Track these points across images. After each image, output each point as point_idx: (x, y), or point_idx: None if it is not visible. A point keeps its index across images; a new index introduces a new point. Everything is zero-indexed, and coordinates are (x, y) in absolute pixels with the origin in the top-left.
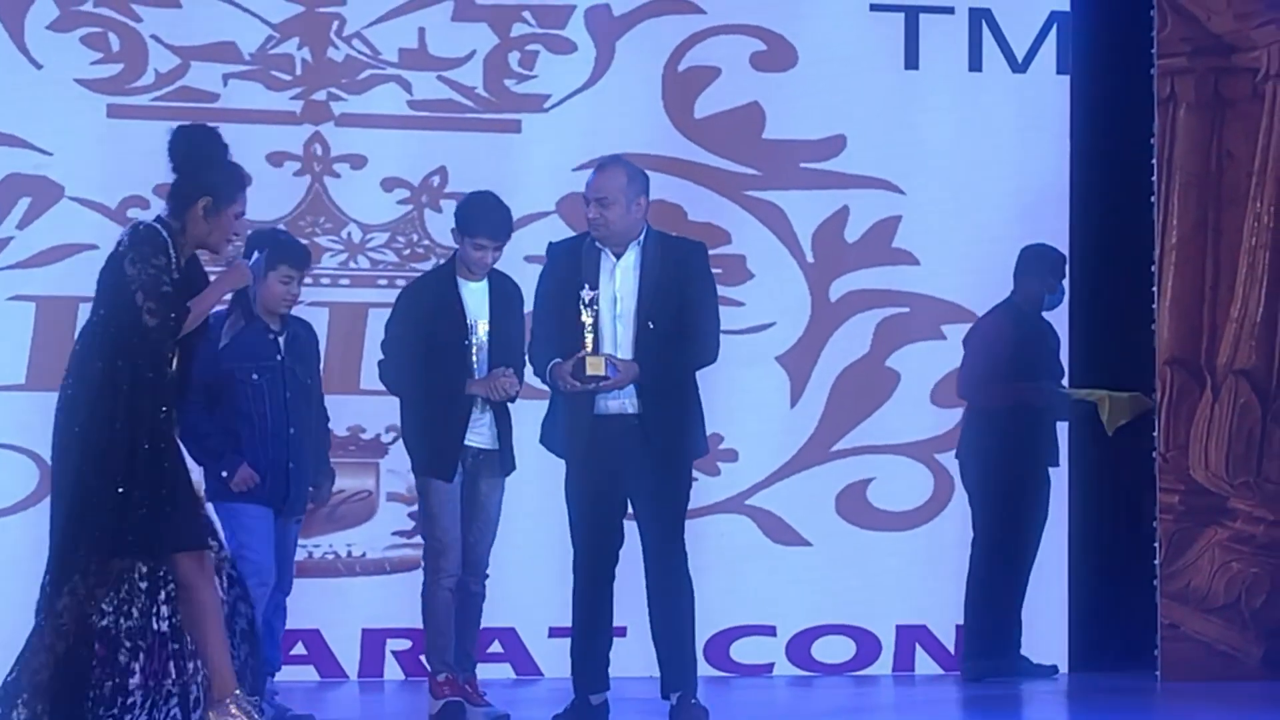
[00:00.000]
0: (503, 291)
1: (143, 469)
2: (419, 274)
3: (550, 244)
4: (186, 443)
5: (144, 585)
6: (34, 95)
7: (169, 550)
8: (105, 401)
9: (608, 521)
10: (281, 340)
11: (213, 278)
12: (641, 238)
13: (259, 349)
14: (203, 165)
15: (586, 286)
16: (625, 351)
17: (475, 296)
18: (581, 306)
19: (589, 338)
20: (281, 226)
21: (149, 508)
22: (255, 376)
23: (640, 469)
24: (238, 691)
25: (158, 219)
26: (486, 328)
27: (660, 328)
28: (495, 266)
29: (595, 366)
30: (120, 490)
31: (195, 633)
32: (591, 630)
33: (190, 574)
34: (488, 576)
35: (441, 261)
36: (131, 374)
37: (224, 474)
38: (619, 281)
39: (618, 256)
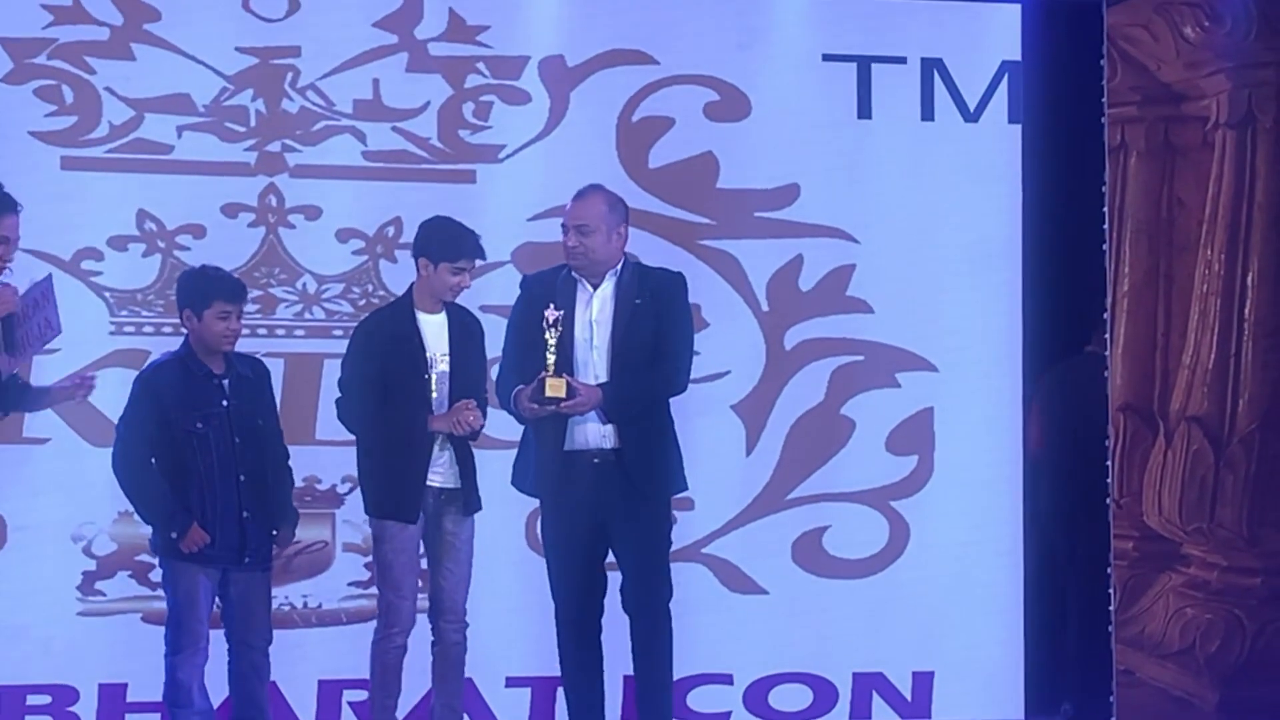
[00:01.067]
0: (461, 323)
1: None
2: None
3: (525, 276)
4: (133, 501)
5: None
6: None
7: None
8: None
9: (588, 567)
10: (226, 383)
11: None
12: (618, 268)
13: (201, 396)
14: None
15: (551, 306)
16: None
17: (433, 329)
18: (545, 326)
19: (551, 359)
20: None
21: None
22: (200, 425)
23: (618, 508)
24: None
25: None
26: (447, 361)
27: (635, 358)
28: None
29: (555, 389)
30: None
31: None
32: (582, 688)
33: None
34: (467, 625)
35: None
36: None
37: (173, 535)
38: (595, 310)
39: (594, 286)
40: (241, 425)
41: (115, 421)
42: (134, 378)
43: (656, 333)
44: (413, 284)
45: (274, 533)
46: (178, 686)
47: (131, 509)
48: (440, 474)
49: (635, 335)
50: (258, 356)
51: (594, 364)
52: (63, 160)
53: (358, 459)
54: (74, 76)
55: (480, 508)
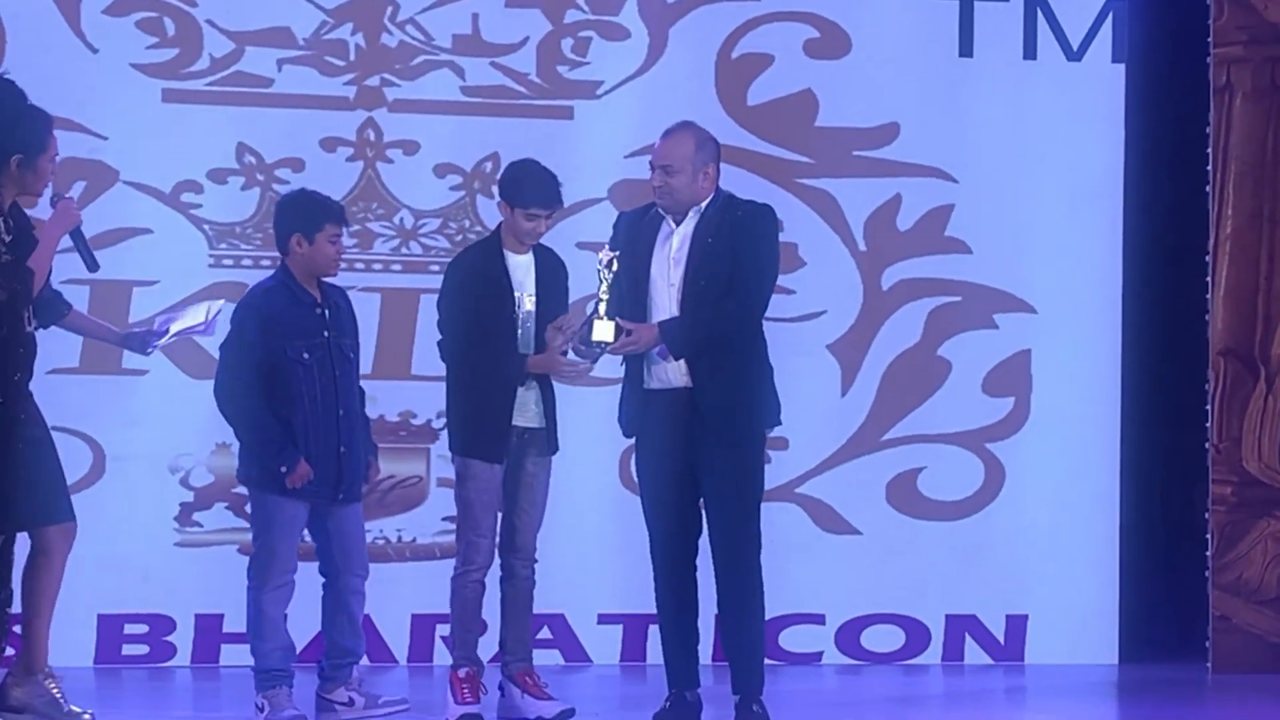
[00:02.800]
0: (548, 264)
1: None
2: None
3: (618, 215)
4: (240, 430)
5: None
6: (90, 80)
7: (40, 524)
8: None
9: (677, 505)
10: (326, 313)
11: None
12: (703, 205)
13: (308, 325)
14: (6, 124)
15: (606, 248)
16: None
17: (521, 269)
18: (598, 269)
19: (602, 301)
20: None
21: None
22: (305, 355)
23: (700, 448)
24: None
25: None
26: (533, 301)
27: (707, 293)
28: (545, 243)
29: (602, 332)
30: None
31: (34, 600)
32: (677, 623)
33: (52, 541)
34: (536, 561)
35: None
36: None
37: (282, 469)
38: (674, 247)
39: (677, 224)
40: (341, 357)
41: (214, 354)
42: (237, 309)
43: (732, 266)
44: (500, 223)
45: (367, 467)
46: (266, 620)
47: (231, 441)
48: (526, 414)
49: (708, 270)
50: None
51: (669, 302)
52: (163, 93)
53: (446, 397)
54: (175, 9)
55: (559, 448)
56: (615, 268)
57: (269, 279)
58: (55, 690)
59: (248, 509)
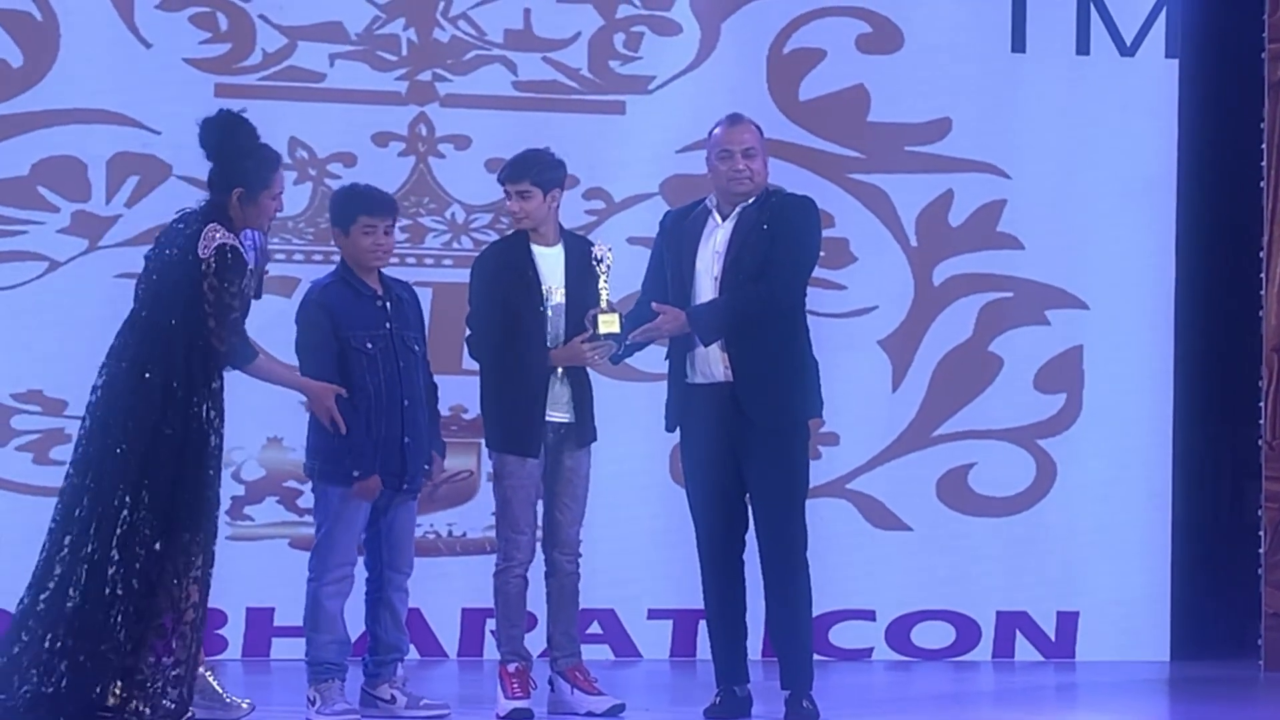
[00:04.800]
0: (580, 254)
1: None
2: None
3: (665, 213)
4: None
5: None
6: (143, 74)
7: None
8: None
9: (722, 500)
10: (388, 305)
11: None
12: (750, 198)
13: (369, 316)
14: (233, 155)
15: (598, 244)
16: None
17: (549, 261)
18: (594, 263)
19: (604, 296)
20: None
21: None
22: (369, 346)
23: (744, 442)
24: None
25: (206, 211)
26: (563, 293)
27: (742, 282)
28: (575, 230)
29: (609, 324)
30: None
31: None
32: (725, 618)
33: None
34: (580, 555)
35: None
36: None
37: (355, 473)
38: (718, 240)
39: (724, 218)
40: (404, 348)
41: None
42: (300, 307)
43: (769, 256)
44: None
45: (428, 464)
46: (324, 613)
47: (282, 435)
48: (559, 408)
49: (746, 260)
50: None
51: (712, 294)
52: (216, 88)
53: (480, 393)
54: (229, 4)
55: (595, 438)
56: (611, 261)
57: (327, 275)
58: (214, 681)
59: (299, 503)
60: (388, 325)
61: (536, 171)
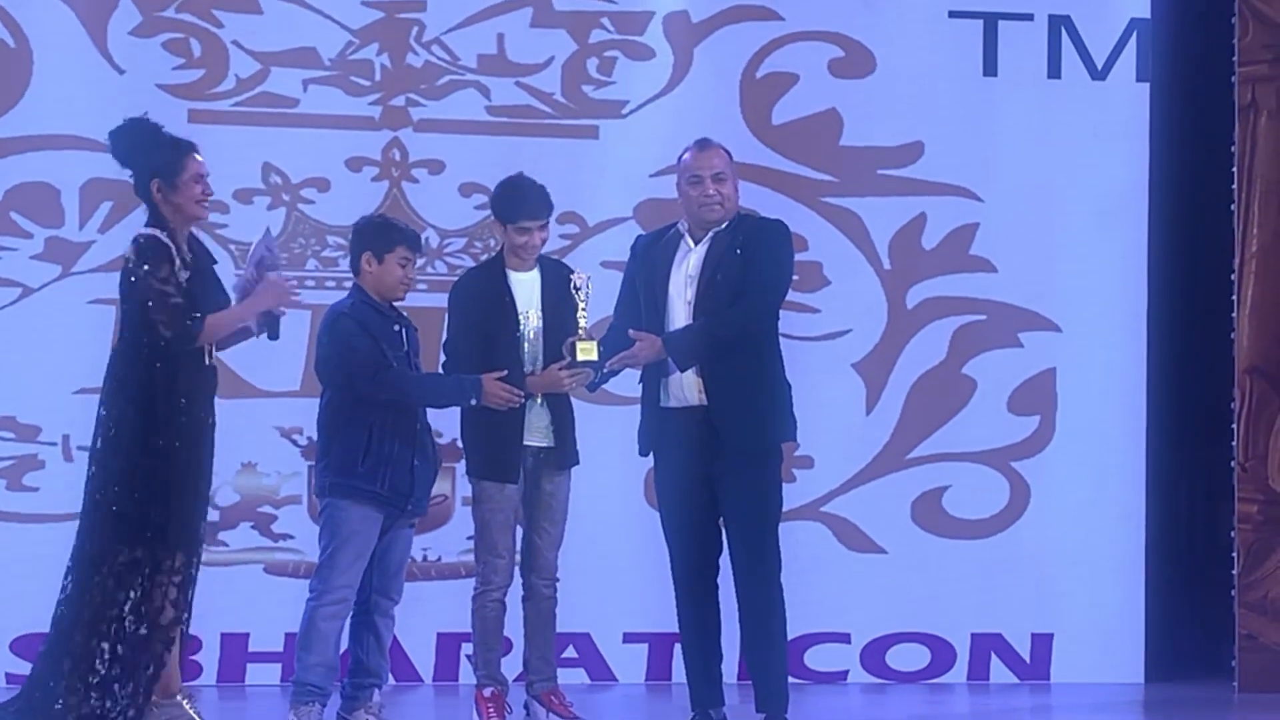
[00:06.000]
0: (555, 279)
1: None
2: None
3: (636, 238)
4: (415, 395)
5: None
6: (116, 100)
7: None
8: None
9: (695, 523)
10: (404, 331)
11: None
12: (722, 223)
13: (392, 337)
14: (141, 151)
15: (577, 272)
16: None
17: (525, 287)
18: (573, 291)
19: (581, 323)
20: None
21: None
22: (394, 364)
23: (718, 465)
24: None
25: (146, 223)
26: (540, 317)
27: (716, 307)
28: (550, 255)
29: (586, 351)
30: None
31: None
32: (700, 642)
33: None
34: (558, 580)
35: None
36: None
37: (473, 402)
38: (691, 265)
39: (696, 242)
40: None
41: (234, 372)
42: (333, 323)
43: (742, 280)
44: (502, 243)
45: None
46: (317, 634)
47: (256, 460)
48: (538, 433)
49: (720, 285)
50: None
51: (686, 319)
52: (190, 113)
53: (460, 419)
54: (202, 30)
55: (577, 461)
56: (590, 289)
57: (343, 300)
58: (191, 710)
59: (274, 528)
60: (405, 348)
61: (551, 204)
